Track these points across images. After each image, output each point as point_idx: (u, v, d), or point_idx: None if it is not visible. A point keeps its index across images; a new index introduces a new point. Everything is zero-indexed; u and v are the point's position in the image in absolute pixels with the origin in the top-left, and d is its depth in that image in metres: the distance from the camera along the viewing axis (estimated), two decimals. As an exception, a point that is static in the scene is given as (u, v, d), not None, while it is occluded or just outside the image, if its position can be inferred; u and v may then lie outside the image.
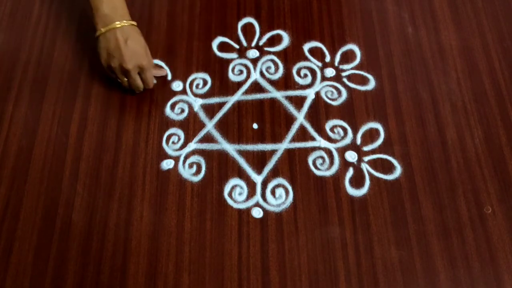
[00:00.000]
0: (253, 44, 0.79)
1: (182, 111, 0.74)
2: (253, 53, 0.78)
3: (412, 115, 0.73)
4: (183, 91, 0.75)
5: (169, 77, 0.76)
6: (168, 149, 0.71)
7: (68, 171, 0.69)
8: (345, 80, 0.75)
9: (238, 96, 0.75)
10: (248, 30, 0.80)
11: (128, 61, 0.68)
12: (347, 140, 0.71)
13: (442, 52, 0.78)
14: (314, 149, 0.70)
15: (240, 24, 0.81)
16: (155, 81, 0.74)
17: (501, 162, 0.69)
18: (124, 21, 0.69)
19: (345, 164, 0.69)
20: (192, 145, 0.71)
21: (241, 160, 0.70)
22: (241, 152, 0.70)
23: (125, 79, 0.71)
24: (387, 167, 0.69)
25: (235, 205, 0.67)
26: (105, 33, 0.69)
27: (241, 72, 0.77)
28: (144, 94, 0.74)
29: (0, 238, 0.65)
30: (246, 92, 0.75)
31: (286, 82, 0.75)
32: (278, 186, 0.68)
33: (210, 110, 0.74)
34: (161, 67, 0.77)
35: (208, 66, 0.77)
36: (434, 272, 0.62)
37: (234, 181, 0.68)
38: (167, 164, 0.70)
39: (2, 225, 0.66)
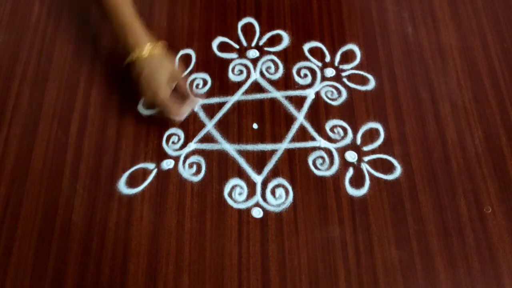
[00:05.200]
0: (253, 44, 0.79)
1: (182, 111, 0.74)
2: (253, 53, 0.78)
3: (412, 115, 0.73)
4: (183, 91, 0.75)
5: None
6: (168, 149, 0.71)
7: (68, 171, 0.69)
8: (345, 80, 0.75)
9: (238, 96, 0.75)
10: (248, 30, 0.80)
11: (144, 98, 0.70)
12: (347, 140, 0.71)
13: (442, 52, 0.78)
14: (314, 149, 0.70)
15: (240, 24, 0.81)
16: (187, 111, 0.72)
17: (501, 162, 0.69)
18: (139, 53, 0.68)
19: (345, 164, 0.69)
20: (192, 145, 0.71)
21: (241, 160, 0.70)
22: (241, 152, 0.70)
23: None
24: (387, 167, 0.69)
25: (235, 205, 0.67)
26: (127, 66, 0.70)
27: (241, 72, 0.77)
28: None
29: (0, 238, 0.65)
30: (246, 92, 0.75)
31: (286, 82, 0.75)
32: (278, 186, 0.68)
33: (210, 110, 0.74)
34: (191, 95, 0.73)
35: (208, 66, 0.77)
36: (434, 272, 0.62)
37: (234, 181, 0.68)
38: (167, 164, 0.70)
39: (2, 225, 0.66)
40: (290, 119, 0.73)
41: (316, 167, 0.69)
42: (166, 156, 0.70)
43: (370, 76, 0.76)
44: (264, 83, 0.76)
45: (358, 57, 0.77)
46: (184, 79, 0.74)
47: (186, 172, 0.69)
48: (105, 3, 0.70)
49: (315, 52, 0.78)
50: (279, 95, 0.75)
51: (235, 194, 0.67)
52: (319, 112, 0.73)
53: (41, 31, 0.81)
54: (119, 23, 0.69)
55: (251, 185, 0.68)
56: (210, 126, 0.73)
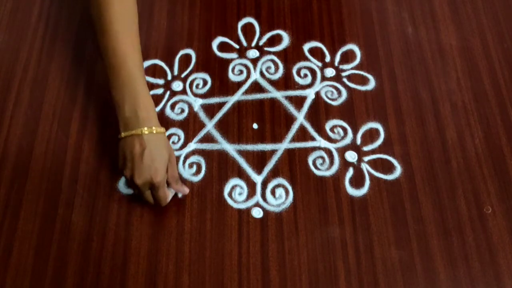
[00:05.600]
0: (253, 44, 0.79)
1: (182, 111, 0.74)
2: (253, 53, 0.78)
3: (412, 115, 0.73)
4: (183, 91, 0.75)
5: (169, 78, 0.76)
6: (168, 149, 0.71)
7: (68, 171, 0.69)
8: (345, 80, 0.75)
9: (238, 96, 0.75)
10: (248, 30, 0.80)
11: (137, 176, 0.61)
12: (347, 140, 0.71)
13: (442, 52, 0.78)
14: (314, 149, 0.70)
15: (240, 24, 0.81)
16: (169, 198, 0.65)
17: (501, 162, 0.69)
18: (146, 128, 0.61)
19: (345, 164, 0.69)
20: (192, 145, 0.71)
21: (241, 160, 0.70)
22: (241, 152, 0.70)
23: (136, 190, 0.64)
24: (387, 167, 0.69)
25: (235, 205, 0.67)
26: (124, 138, 0.62)
27: (241, 72, 0.77)
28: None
29: (0, 238, 0.65)
30: (246, 92, 0.75)
31: (286, 82, 0.75)
32: (278, 186, 0.68)
33: (210, 110, 0.74)
34: (182, 184, 0.66)
35: (208, 66, 0.77)
36: (434, 272, 0.62)
37: (234, 181, 0.68)
38: (167, 164, 0.70)
39: (2, 225, 0.66)
40: (290, 119, 0.73)
41: (316, 167, 0.69)
42: (166, 156, 0.70)
43: (370, 76, 0.76)
44: (264, 83, 0.76)
45: (358, 57, 0.77)
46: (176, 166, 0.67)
47: (186, 172, 0.69)
48: (107, 50, 0.62)
49: (315, 52, 0.78)
50: (279, 95, 0.75)
51: (235, 194, 0.67)
52: (319, 112, 0.73)
53: (41, 31, 0.81)
54: (126, 86, 0.62)
55: (251, 185, 0.68)
56: (210, 126, 0.73)
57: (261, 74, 0.76)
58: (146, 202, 0.65)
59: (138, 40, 0.65)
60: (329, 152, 0.70)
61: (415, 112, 0.73)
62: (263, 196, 0.67)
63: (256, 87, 0.75)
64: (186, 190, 0.66)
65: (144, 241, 0.65)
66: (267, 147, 0.71)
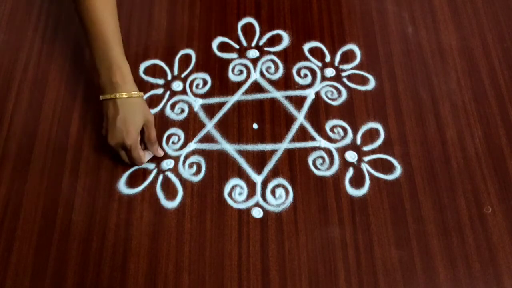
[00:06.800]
0: (253, 44, 0.79)
1: (182, 111, 0.74)
2: (253, 53, 0.78)
3: (412, 115, 0.73)
4: (183, 91, 0.75)
5: (169, 78, 0.76)
6: (168, 149, 0.71)
7: (68, 171, 0.69)
8: (345, 80, 0.75)
9: (238, 96, 0.75)
10: (248, 30, 0.80)
11: (110, 137, 0.66)
12: (347, 140, 0.71)
13: (442, 52, 0.78)
14: (314, 149, 0.70)
15: (240, 24, 0.81)
16: (147, 158, 0.69)
17: (501, 162, 0.69)
18: (119, 94, 0.65)
19: (345, 164, 0.69)
20: (192, 145, 0.71)
21: (241, 160, 0.70)
22: (241, 152, 0.70)
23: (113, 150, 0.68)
24: (387, 167, 0.69)
25: (235, 205, 0.67)
26: (102, 101, 0.67)
27: (241, 72, 0.77)
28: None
29: (0, 238, 0.65)
30: (246, 92, 0.75)
31: (286, 82, 0.75)
32: (278, 186, 0.68)
33: (210, 110, 0.74)
34: (158, 147, 0.70)
35: (208, 66, 0.77)
36: (434, 272, 0.62)
37: (234, 181, 0.68)
38: (167, 164, 0.70)
39: (2, 225, 0.66)
40: (290, 119, 0.73)
41: (316, 167, 0.69)
42: (166, 156, 0.70)
43: (370, 76, 0.76)
44: (264, 83, 0.76)
45: (358, 57, 0.77)
46: (155, 129, 0.69)
47: (186, 172, 0.69)
48: (85, 19, 0.66)
49: (315, 52, 0.78)
50: (279, 95, 0.75)
51: (235, 194, 0.67)
52: (319, 112, 0.73)
53: (41, 31, 0.81)
54: (102, 53, 0.66)
55: (251, 185, 0.68)
56: (210, 126, 0.73)
57: (261, 74, 0.76)
58: (127, 163, 0.68)
59: (115, 9, 0.68)
60: (329, 152, 0.70)
61: (415, 112, 0.73)
62: (263, 196, 0.67)
63: (256, 87, 0.75)
64: (161, 153, 0.70)
65: (144, 241, 0.65)
66: (267, 147, 0.71)
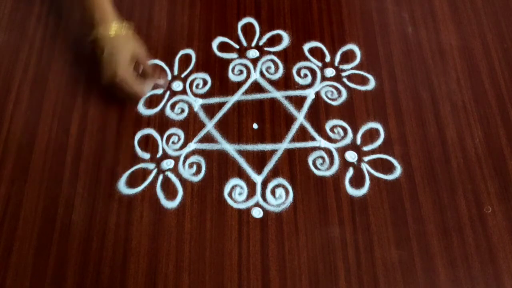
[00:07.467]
0: (253, 44, 0.79)
1: (182, 111, 0.74)
2: (253, 53, 0.78)
3: (412, 115, 0.73)
4: (183, 91, 0.75)
5: (169, 77, 0.76)
6: (168, 149, 0.71)
7: (68, 171, 0.69)
8: (345, 80, 0.75)
9: (238, 96, 0.75)
10: (248, 30, 0.80)
11: (104, 77, 0.69)
12: (347, 140, 0.71)
13: (442, 52, 0.78)
14: (314, 149, 0.70)
15: (240, 24, 0.81)
16: (148, 88, 0.73)
17: (501, 162, 0.69)
18: (101, 32, 0.68)
19: (345, 164, 0.69)
20: (192, 145, 0.71)
21: (241, 160, 0.70)
22: (241, 152, 0.70)
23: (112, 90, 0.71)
24: (387, 167, 0.69)
25: (235, 205, 0.67)
26: (93, 46, 0.70)
27: (241, 72, 0.77)
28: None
29: (0, 238, 0.65)
30: (246, 92, 0.75)
31: (286, 82, 0.75)
32: (278, 186, 0.68)
33: (210, 110, 0.74)
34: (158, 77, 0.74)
35: (208, 66, 0.77)
36: (434, 272, 0.62)
37: (234, 181, 0.68)
38: (167, 164, 0.70)
39: (2, 225, 0.66)
40: (290, 119, 0.73)
41: (316, 167, 0.69)
42: (166, 156, 0.70)
43: (370, 76, 0.76)
44: (264, 83, 0.76)
45: (358, 57, 0.77)
46: (147, 58, 0.73)
47: (186, 172, 0.69)
48: None
49: (315, 52, 0.78)
50: (279, 95, 0.75)
51: (235, 194, 0.67)
52: (319, 112, 0.73)
53: (41, 31, 0.81)
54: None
55: (251, 185, 0.68)
56: (210, 126, 0.73)
57: (261, 74, 0.76)
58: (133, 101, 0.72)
59: None
60: (329, 152, 0.70)
61: (415, 112, 0.73)
62: (263, 196, 0.67)
63: (256, 87, 0.75)
64: (162, 81, 0.74)
65: (144, 241, 0.65)
66: (267, 147, 0.71)
